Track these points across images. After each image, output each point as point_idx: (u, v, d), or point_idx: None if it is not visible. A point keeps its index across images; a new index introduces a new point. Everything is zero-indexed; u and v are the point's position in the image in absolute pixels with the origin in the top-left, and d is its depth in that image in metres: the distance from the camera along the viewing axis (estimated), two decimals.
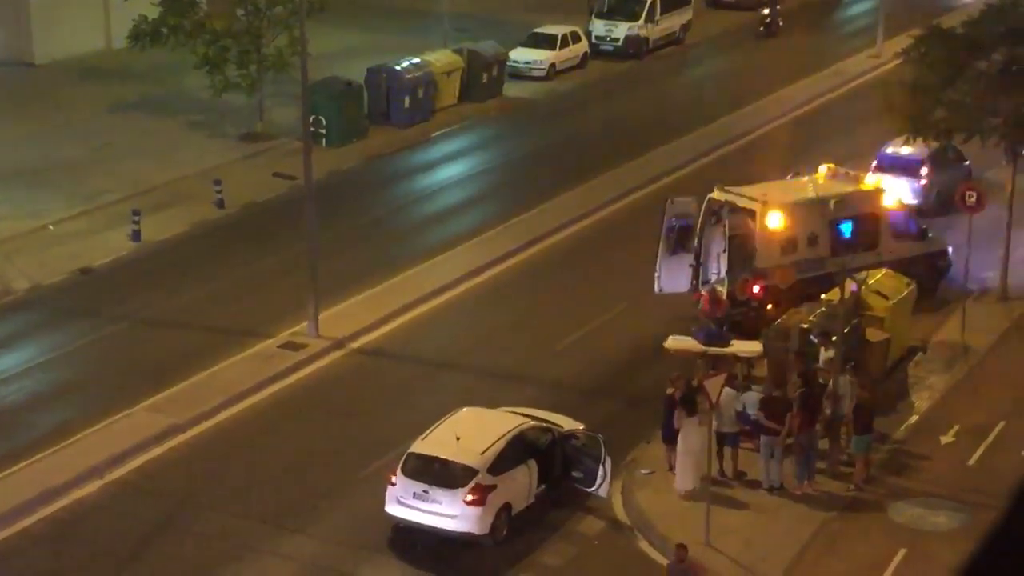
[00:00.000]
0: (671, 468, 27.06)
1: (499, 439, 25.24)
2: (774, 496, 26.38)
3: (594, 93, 55.49)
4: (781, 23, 65.32)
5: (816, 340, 28.63)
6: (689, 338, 30.01)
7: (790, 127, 51.57)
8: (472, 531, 24.56)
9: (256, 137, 47.48)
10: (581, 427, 26.85)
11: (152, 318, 34.25)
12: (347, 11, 57.44)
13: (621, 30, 60.74)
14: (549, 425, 26.64)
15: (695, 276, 33.61)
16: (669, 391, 26.96)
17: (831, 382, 27.28)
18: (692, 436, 26.11)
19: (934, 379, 30.98)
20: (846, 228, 33.89)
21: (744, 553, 24.48)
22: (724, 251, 33.29)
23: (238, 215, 41.19)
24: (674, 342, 29.96)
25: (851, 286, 28.98)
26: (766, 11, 65.77)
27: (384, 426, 29.21)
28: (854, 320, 28.82)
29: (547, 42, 57.90)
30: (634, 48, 60.59)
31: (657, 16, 61.57)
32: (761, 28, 65.11)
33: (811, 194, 34.27)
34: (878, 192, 35.21)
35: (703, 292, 32.83)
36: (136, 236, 38.69)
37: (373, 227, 40.62)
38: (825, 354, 28.26)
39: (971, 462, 27.68)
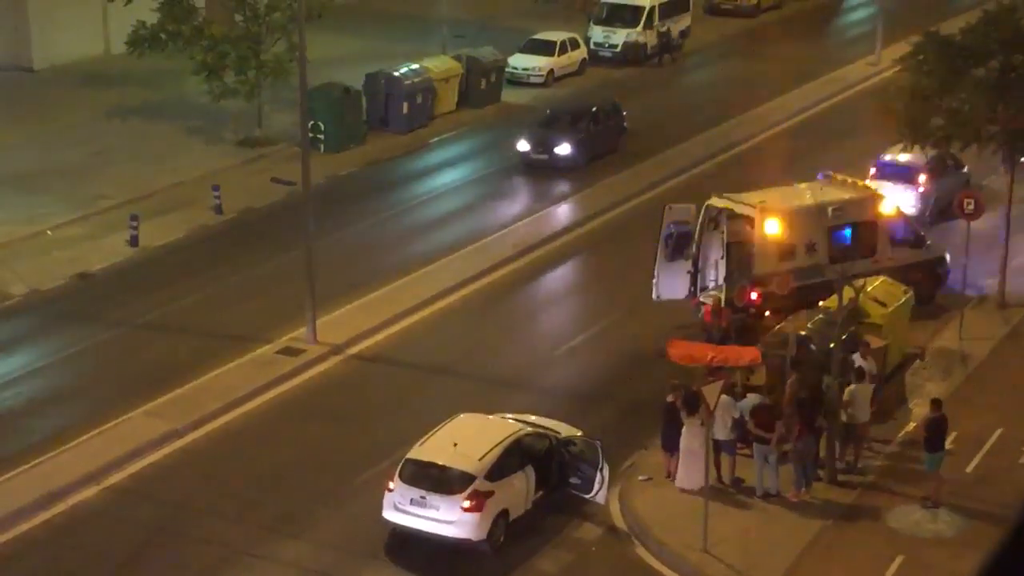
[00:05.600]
0: (668, 475, 27.07)
1: (496, 445, 25.22)
2: (771, 503, 26.36)
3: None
4: None
5: (855, 349, 28.48)
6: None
7: (788, 134, 51.59)
8: (469, 537, 24.54)
9: (254, 143, 47.50)
10: (579, 433, 26.85)
11: (150, 323, 34.25)
12: (345, 17, 57.51)
13: (619, 37, 60.83)
14: (547, 431, 26.63)
15: (693, 283, 33.65)
16: (669, 399, 26.96)
17: (848, 390, 27.19)
18: (694, 436, 26.10)
19: (932, 386, 30.95)
20: (845, 235, 33.96)
21: (741, 560, 24.47)
22: (722, 258, 33.34)
23: (236, 221, 41.20)
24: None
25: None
26: None
27: (381, 432, 29.21)
28: (852, 327, 28.79)
29: (545, 48, 57.96)
30: (632, 55, 60.66)
31: (656, 23, 61.66)
32: None
33: (809, 201, 34.29)
34: (877, 199, 35.23)
35: (704, 301, 32.85)
36: (134, 241, 38.70)
37: (371, 233, 40.61)
38: (866, 364, 28.12)
39: (969, 469, 27.67)
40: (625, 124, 49.19)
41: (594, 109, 48.96)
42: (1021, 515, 5.53)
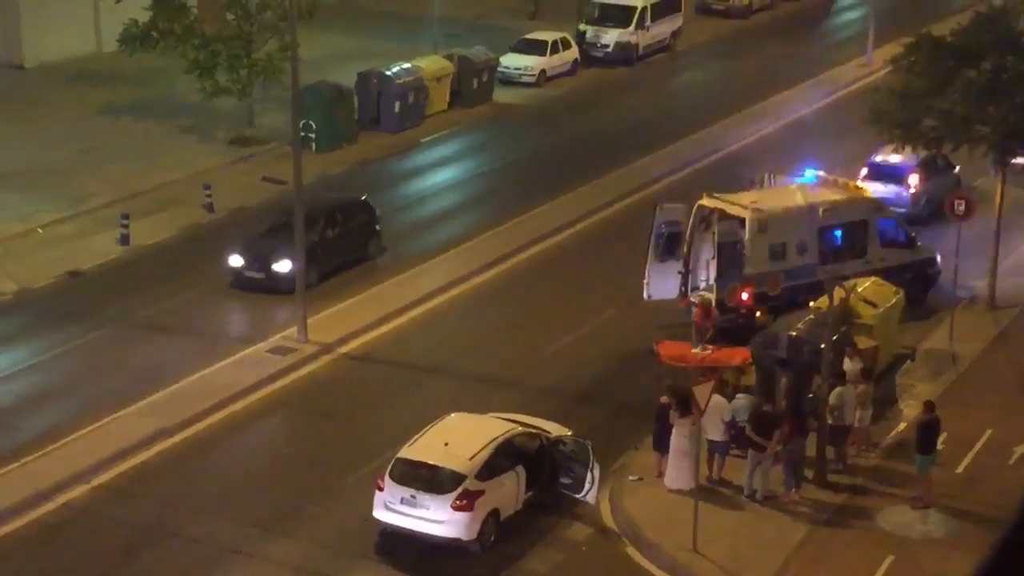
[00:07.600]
0: (660, 475, 27.06)
1: (487, 445, 25.21)
2: (762, 503, 26.36)
3: (584, 100, 55.53)
4: None
5: (846, 350, 28.54)
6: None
7: (780, 135, 51.57)
8: (460, 537, 24.53)
9: (246, 141, 47.45)
10: (569, 433, 26.84)
11: (140, 322, 34.19)
12: (337, 16, 57.50)
13: (611, 37, 60.83)
14: (537, 431, 26.63)
15: (684, 283, 33.67)
16: (663, 400, 26.95)
17: (834, 392, 27.19)
18: (684, 436, 26.11)
19: (922, 387, 30.99)
20: (835, 236, 34.02)
21: (731, 560, 24.47)
22: (713, 258, 33.38)
23: (227, 219, 41.15)
24: None
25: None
26: None
27: (372, 431, 29.19)
28: (842, 328, 28.82)
29: (537, 48, 57.97)
30: (624, 55, 60.66)
31: (647, 23, 61.68)
32: None
33: (800, 202, 34.32)
34: (867, 201, 35.25)
35: (694, 301, 32.84)
36: (125, 240, 38.62)
37: None
38: (851, 365, 28.20)
39: (959, 470, 27.70)
40: (377, 225, 38.74)
41: (331, 209, 37.95)
42: (1017, 516, 5.52)
